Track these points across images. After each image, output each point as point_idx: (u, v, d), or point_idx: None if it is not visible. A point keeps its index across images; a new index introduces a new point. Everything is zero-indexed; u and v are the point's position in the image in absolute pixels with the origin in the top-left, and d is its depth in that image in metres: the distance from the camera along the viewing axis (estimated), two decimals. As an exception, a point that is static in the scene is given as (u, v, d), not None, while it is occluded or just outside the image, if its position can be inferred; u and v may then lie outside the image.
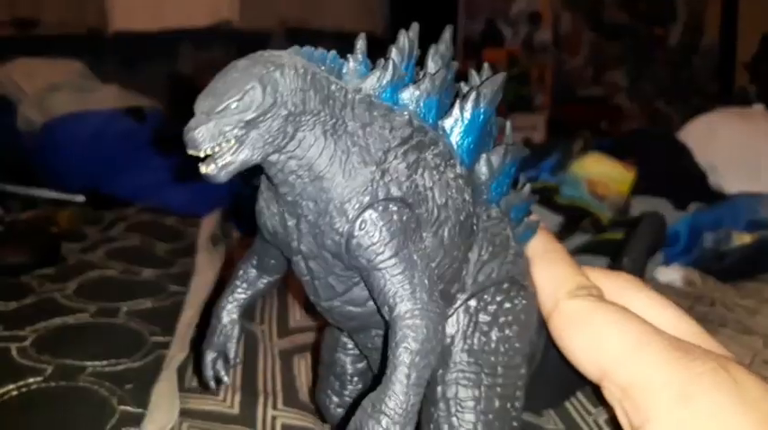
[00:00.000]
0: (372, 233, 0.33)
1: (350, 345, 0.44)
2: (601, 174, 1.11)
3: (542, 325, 0.43)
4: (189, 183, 1.20)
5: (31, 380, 0.52)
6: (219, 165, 0.31)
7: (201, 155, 0.30)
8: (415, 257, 0.33)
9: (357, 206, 0.33)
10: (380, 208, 0.33)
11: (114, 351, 0.58)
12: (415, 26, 0.37)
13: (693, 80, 3.03)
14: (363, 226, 0.33)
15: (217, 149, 0.30)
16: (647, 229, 0.61)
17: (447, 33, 0.38)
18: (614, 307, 0.39)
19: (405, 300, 0.33)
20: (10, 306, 0.67)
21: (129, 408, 0.50)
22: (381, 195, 0.33)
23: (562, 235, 0.92)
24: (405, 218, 0.33)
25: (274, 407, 0.51)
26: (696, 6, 2.99)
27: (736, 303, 0.79)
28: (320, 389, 0.46)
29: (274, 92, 0.31)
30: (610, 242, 0.92)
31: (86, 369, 0.54)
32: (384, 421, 0.31)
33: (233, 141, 0.30)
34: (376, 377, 0.34)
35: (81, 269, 0.78)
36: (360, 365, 0.44)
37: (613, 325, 0.38)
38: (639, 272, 0.58)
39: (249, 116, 0.30)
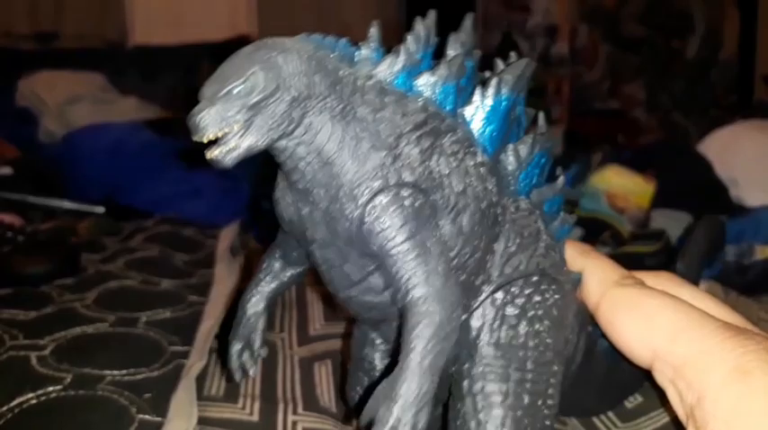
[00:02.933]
0: (383, 219, 0.32)
1: (378, 341, 0.44)
2: (620, 186, 1.10)
3: (583, 325, 0.43)
4: (208, 195, 1.21)
5: (50, 388, 0.52)
6: (225, 150, 0.31)
7: (205, 140, 0.30)
8: (429, 244, 0.33)
9: (367, 191, 0.33)
10: (391, 193, 0.32)
11: (133, 360, 0.58)
12: (431, 14, 0.36)
13: (711, 93, 3.01)
14: (374, 211, 0.32)
15: (221, 134, 0.30)
16: (703, 234, 0.59)
17: (468, 21, 0.38)
18: (663, 292, 0.39)
19: (418, 286, 0.32)
20: (30, 315, 0.67)
21: (147, 417, 0.49)
22: (392, 181, 0.33)
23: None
24: (417, 203, 0.33)
25: (295, 413, 0.51)
26: (714, 19, 2.98)
27: (760, 317, 0.78)
28: (349, 385, 0.46)
29: (277, 75, 0.31)
30: (630, 255, 0.92)
31: (105, 378, 0.54)
32: (396, 408, 0.31)
33: (237, 126, 0.30)
34: (390, 364, 0.34)
35: (100, 279, 0.78)
36: (388, 361, 0.44)
37: (664, 306, 0.38)
38: (694, 278, 0.55)
39: (252, 100, 0.30)
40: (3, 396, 0.51)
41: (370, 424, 0.31)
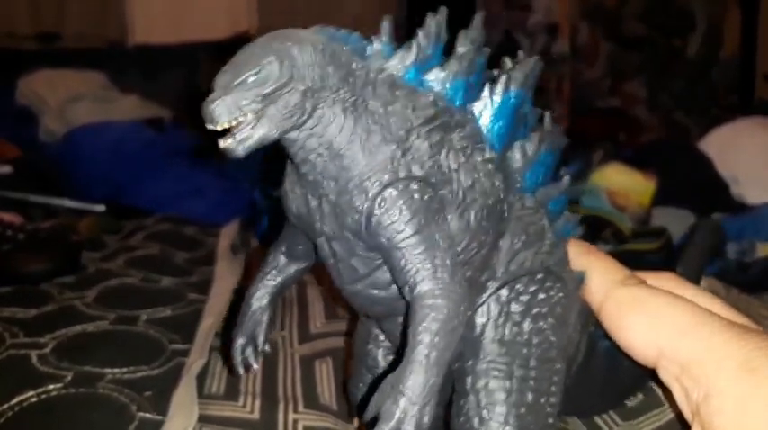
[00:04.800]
0: (392, 211, 0.32)
1: (382, 337, 0.44)
2: (621, 184, 1.10)
3: (585, 325, 0.43)
4: (209, 194, 1.21)
5: (50, 386, 0.52)
6: (238, 139, 0.31)
7: (219, 128, 0.30)
8: (437, 237, 0.33)
9: (377, 184, 0.33)
10: (401, 186, 0.33)
11: (133, 358, 0.58)
12: (442, 11, 0.36)
13: (712, 92, 3.00)
14: (383, 203, 0.33)
15: (235, 123, 0.30)
16: (702, 237, 0.59)
17: (478, 18, 0.38)
18: (667, 292, 0.39)
19: (425, 280, 0.32)
20: (30, 313, 0.67)
21: (148, 415, 0.49)
22: (402, 174, 0.33)
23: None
24: (426, 197, 0.33)
25: (295, 411, 0.51)
26: (715, 17, 2.97)
27: (761, 315, 0.78)
28: (352, 382, 0.46)
29: (291, 66, 0.31)
30: (631, 253, 0.92)
31: (106, 376, 0.54)
32: (402, 401, 0.31)
33: (251, 116, 0.30)
34: (396, 358, 0.34)
35: (101, 277, 0.78)
36: (392, 357, 0.44)
37: (669, 305, 0.38)
38: (695, 280, 0.56)
39: (266, 90, 0.30)
40: (3, 394, 0.51)
41: (376, 417, 0.31)
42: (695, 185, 1.20)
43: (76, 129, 1.33)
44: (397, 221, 0.32)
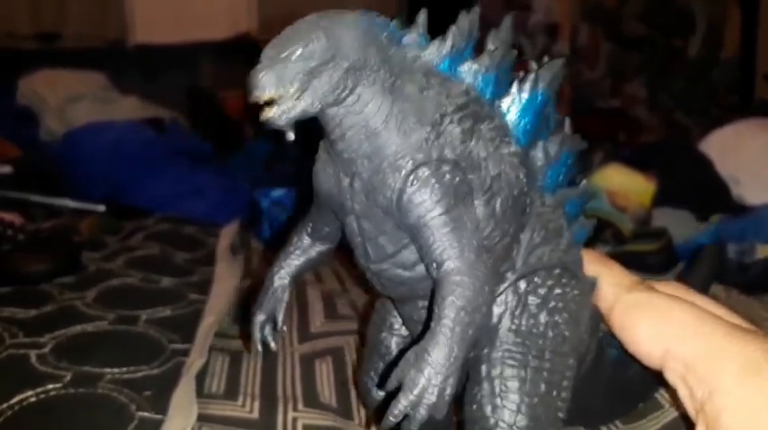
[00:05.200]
0: (424, 190, 0.33)
1: (396, 326, 0.44)
2: (621, 185, 1.10)
3: (595, 328, 0.43)
4: (209, 194, 1.21)
5: (50, 386, 0.52)
6: (281, 109, 0.31)
7: (265, 98, 0.31)
8: (465, 219, 0.34)
9: (410, 163, 0.34)
10: (433, 166, 0.34)
11: (133, 358, 0.57)
12: (476, 9, 0.38)
13: (713, 92, 3.00)
14: (415, 182, 0.34)
15: (279, 94, 0.31)
16: (706, 262, 0.60)
17: (508, 20, 0.39)
18: (673, 296, 0.40)
19: (452, 258, 0.33)
20: (30, 313, 0.67)
21: (147, 415, 0.49)
22: (435, 155, 0.34)
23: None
24: (457, 179, 0.34)
25: (295, 409, 0.51)
26: (715, 18, 2.97)
27: (761, 316, 0.77)
28: (363, 370, 0.46)
29: (337, 43, 0.32)
30: (631, 253, 0.92)
31: (105, 376, 0.54)
32: (426, 371, 0.31)
33: (295, 88, 0.31)
34: (421, 333, 0.35)
35: (101, 277, 0.78)
36: (405, 346, 0.44)
37: (675, 308, 0.39)
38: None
39: (312, 64, 0.31)
40: (3, 394, 0.51)
41: (399, 387, 0.32)
42: (695, 186, 1.20)
43: (77, 130, 1.33)
44: (428, 200, 0.33)
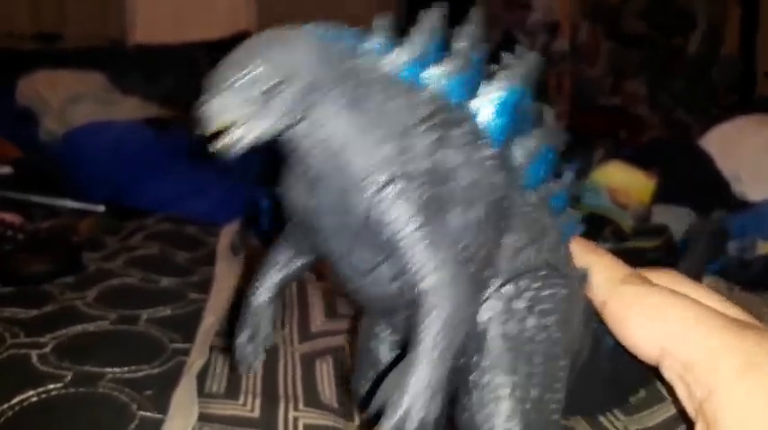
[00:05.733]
0: (392, 209, 0.32)
1: (383, 335, 0.43)
2: (622, 182, 1.10)
3: (589, 322, 0.42)
4: (210, 194, 1.20)
5: (51, 386, 0.52)
6: (231, 139, 0.30)
7: (215, 128, 0.30)
8: (439, 234, 0.33)
9: (375, 183, 0.32)
10: (402, 182, 0.32)
11: (134, 358, 0.58)
12: (437, 8, 0.36)
13: (713, 89, 3.00)
14: (383, 202, 0.32)
15: (229, 122, 0.30)
16: (703, 236, 0.59)
17: (475, 15, 0.37)
18: (669, 289, 0.39)
19: (428, 277, 0.32)
20: (31, 313, 0.67)
21: (148, 414, 0.49)
22: (402, 170, 0.32)
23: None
24: (426, 195, 0.32)
25: (296, 409, 0.51)
26: (716, 16, 2.97)
27: (762, 312, 0.77)
28: (355, 378, 0.46)
29: (290, 62, 0.30)
30: (632, 250, 0.92)
31: (106, 375, 0.54)
32: (406, 397, 0.31)
33: (243, 117, 0.30)
34: (398, 356, 0.34)
35: (101, 277, 0.78)
36: (395, 353, 0.43)
37: (672, 303, 0.38)
38: (696, 277, 0.56)
39: (263, 87, 0.30)
40: (3, 394, 0.51)
41: (380, 411, 0.31)
42: (696, 183, 1.20)
43: (77, 130, 1.33)
44: (399, 218, 0.32)
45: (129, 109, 1.48)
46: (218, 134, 0.30)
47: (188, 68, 2.06)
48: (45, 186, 1.19)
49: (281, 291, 0.43)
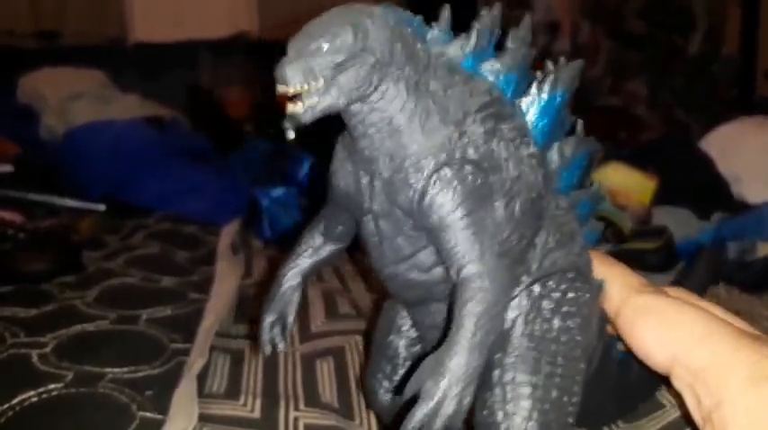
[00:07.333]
0: (446, 191, 0.33)
1: (404, 328, 0.44)
2: (622, 183, 1.10)
3: (602, 330, 0.43)
4: (209, 193, 1.20)
5: (51, 386, 0.52)
6: (306, 104, 0.31)
7: (290, 92, 0.30)
8: (487, 222, 0.33)
9: (433, 163, 0.33)
10: (456, 167, 0.33)
11: (134, 358, 0.58)
12: (497, 6, 0.37)
13: (713, 90, 3.00)
14: (438, 183, 0.33)
15: (305, 88, 0.31)
16: (703, 265, 0.60)
17: (527, 19, 0.39)
18: (681, 301, 0.40)
19: (473, 262, 0.33)
20: (31, 313, 0.67)
21: (148, 414, 0.49)
22: (458, 155, 0.33)
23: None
24: (479, 181, 0.33)
25: (296, 409, 0.51)
26: (716, 15, 2.97)
27: (762, 314, 0.77)
28: (370, 372, 0.46)
29: (365, 38, 0.31)
30: (632, 252, 0.92)
31: (106, 375, 0.54)
32: (444, 380, 0.31)
33: (321, 82, 0.31)
34: (439, 341, 0.34)
35: (101, 277, 0.78)
36: (414, 349, 0.44)
37: (684, 313, 0.38)
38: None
39: (339, 58, 0.31)
40: (4, 394, 0.51)
41: (415, 397, 0.31)
42: (696, 185, 1.20)
43: (77, 128, 1.33)
44: (450, 202, 0.33)
45: (129, 107, 1.48)
46: (292, 98, 0.31)
47: (187, 67, 2.06)
48: (45, 184, 1.19)
49: (311, 276, 0.43)
